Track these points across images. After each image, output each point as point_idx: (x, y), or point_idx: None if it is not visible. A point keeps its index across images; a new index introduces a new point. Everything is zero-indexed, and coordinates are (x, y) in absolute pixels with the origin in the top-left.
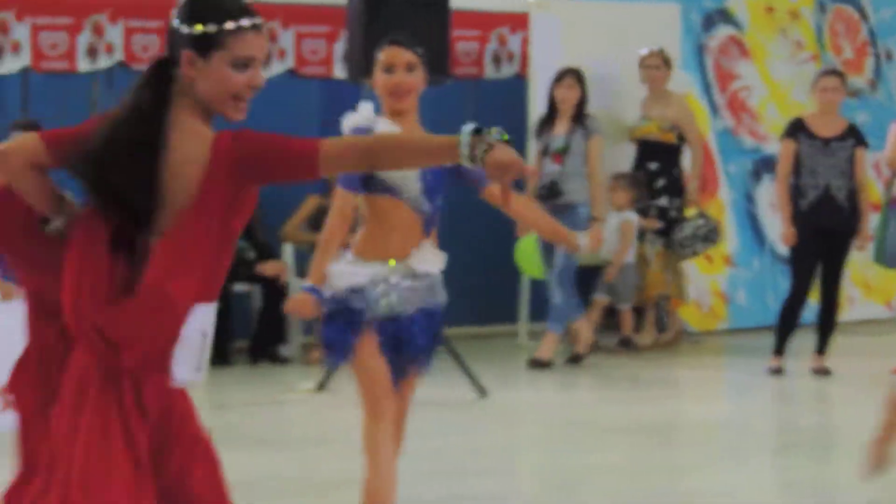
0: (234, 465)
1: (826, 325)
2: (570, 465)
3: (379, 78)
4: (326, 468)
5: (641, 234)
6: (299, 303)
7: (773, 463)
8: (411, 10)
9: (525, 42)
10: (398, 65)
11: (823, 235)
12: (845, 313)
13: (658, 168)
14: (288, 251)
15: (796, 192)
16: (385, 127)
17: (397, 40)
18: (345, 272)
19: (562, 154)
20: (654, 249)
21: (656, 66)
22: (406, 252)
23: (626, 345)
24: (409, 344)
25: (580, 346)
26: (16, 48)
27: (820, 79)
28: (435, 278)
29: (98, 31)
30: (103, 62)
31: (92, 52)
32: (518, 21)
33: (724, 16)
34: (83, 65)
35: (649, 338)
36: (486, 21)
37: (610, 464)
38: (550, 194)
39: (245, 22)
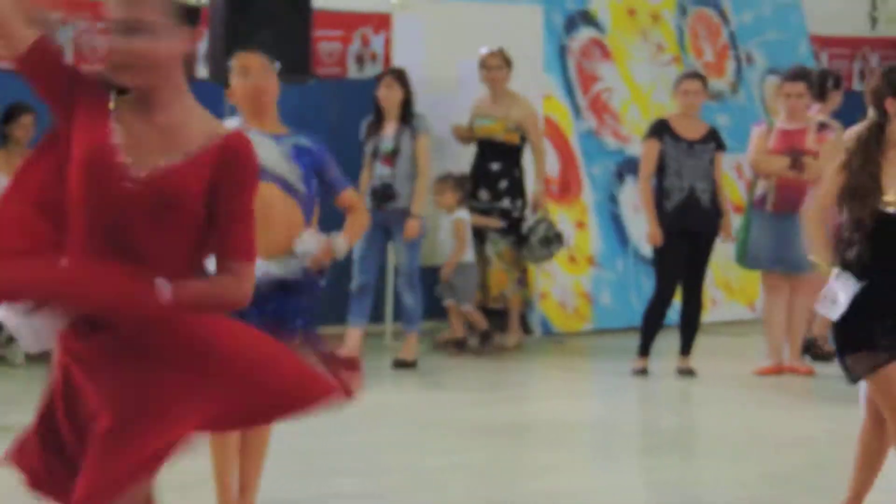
0: None
1: (689, 325)
2: (434, 465)
3: (236, 84)
4: (184, 467)
5: (482, 234)
6: None
7: (638, 463)
8: (274, 10)
9: (388, 43)
10: (253, 68)
11: (688, 237)
12: (709, 314)
13: (500, 169)
14: None
15: (661, 194)
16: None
17: (249, 46)
18: None
19: (391, 156)
20: (495, 249)
21: (497, 66)
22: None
23: (460, 346)
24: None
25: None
26: None
27: (682, 81)
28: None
29: None
30: None
31: None
32: (381, 21)
33: (586, 18)
34: None
35: (514, 339)
36: (348, 21)
37: (474, 464)
38: (384, 198)
39: None
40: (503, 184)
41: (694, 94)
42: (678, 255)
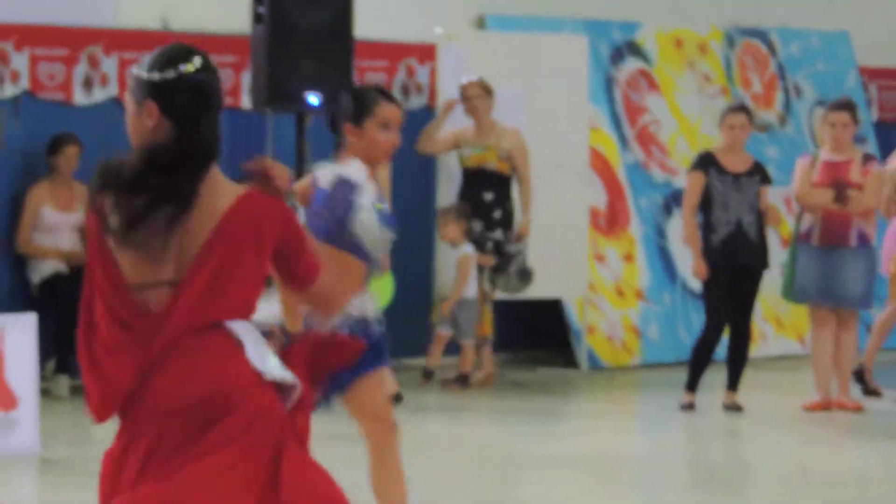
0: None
1: (737, 360)
2: (486, 500)
3: (376, 134)
4: None
5: (481, 269)
6: None
7: (684, 499)
8: (316, 41)
9: (433, 73)
10: (395, 124)
11: (735, 271)
12: (758, 349)
13: (493, 199)
14: None
15: (707, 227)
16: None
17: (392, 98)
18: None
19: None
20: (489, 285)
21: (477, 94)
22: None
23: (462, 381)
24: None
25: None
26: None
27: (727, 116)
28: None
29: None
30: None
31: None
32: (426, 52)
33: (633, 49)
34: None
35: (484, 374)
36: (393, 52)
37: (526, 498)
38: None
39: None
40: (497, 214)
41: (740, 128)
42: (726, 289)
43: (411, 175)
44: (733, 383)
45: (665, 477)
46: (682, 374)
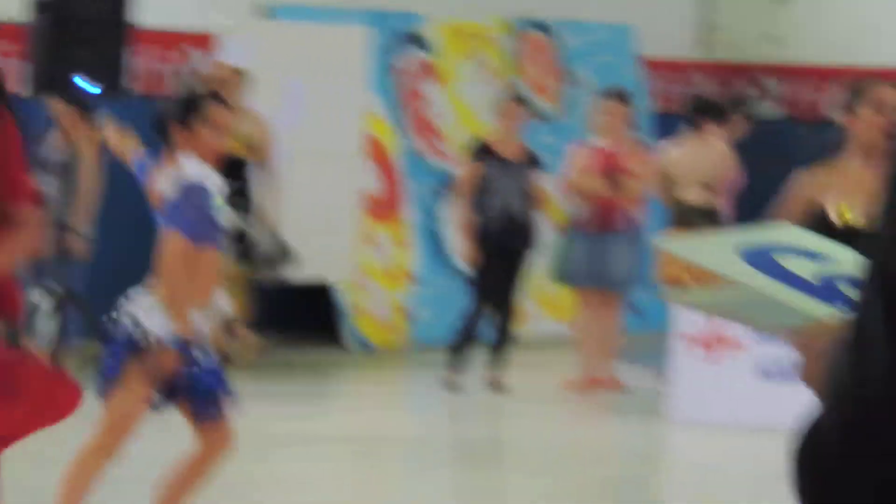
0: None
1: (502, 340)
2: (238, 479)
3: (207, 136)
4: None
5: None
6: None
7: (447, 475)
8: (94, 29)
9: (211, 62)
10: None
11: (505, 255)
12: (524, 329)
13: (232, 185)
14: None
15: (479, 212)
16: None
17: (227, 103)
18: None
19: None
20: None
21: (229, 79)
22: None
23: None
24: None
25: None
26: None
27: (503, 104)
28: None
29: None
30: None
31: None
32: (207, 42)
33: (415, 39)
34: None
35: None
36: (172, 40)
37: (284, 476)
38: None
39: None
40: (234, 200)
41: (515, 117)
42: (494, 271)
43: None
44: (497, 362)
45: (427, 454)
46: (450, 355)
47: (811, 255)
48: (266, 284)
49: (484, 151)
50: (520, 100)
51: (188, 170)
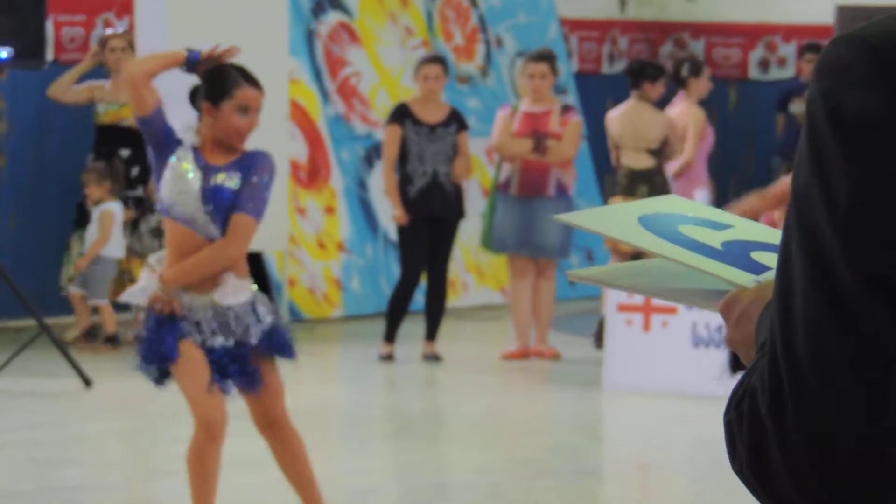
0: None
1: (435, 310)
2: (166, 454)
3: (232, 119)
4: None
5: (132, 226)
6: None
7: (383, 448)
8: None
9: (132, 27)
10: (254, 108)
11: (432, 221)
12: (459, 299)
13: (131, 155)
14: None
15: (404, 179)
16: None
17: (254, 81)
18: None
19: None
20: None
21: (122, 47)
22: (206, 286)
23: (112, 341)
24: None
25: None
26: None
27: (421, 66)
28: (240, 309)
29: None
30: None
31: None
32: (124, 6)
33: (334, 2)
34: None
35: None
36: (90, 5)
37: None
38: None
39: None
40: (135, 170)
41: (434, 80)
42: (422, 239)
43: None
44: (432, 333)
45: (364, 427)
46: (383, 326)
47: (710, 224)
48: None
49: (404, 115)
50: (438, 60)
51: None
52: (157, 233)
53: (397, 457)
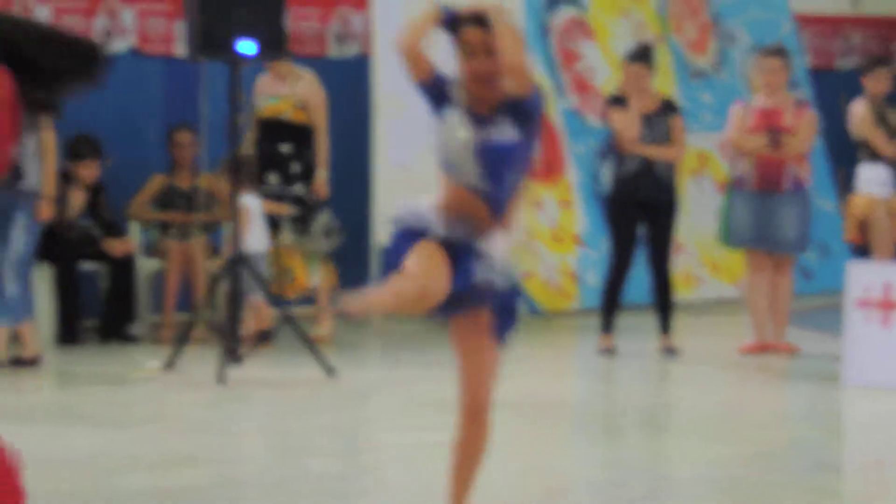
0: (69, 443)
1: (663, 303)
2: (407, 443)
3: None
4: (159, 447)
5: (276, 222)
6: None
7: (614, 441)
8: None
9: (368, 21)
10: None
11: (644, 208)
12: (694, 293)
13: (292, 151)
14: (135, 229)
15: (617, 163)
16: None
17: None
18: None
19: None
20: (291, 238)
21: None
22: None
23: (265, 338)
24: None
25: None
26: None
27: (627, 63)
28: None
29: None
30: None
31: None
32: (361, 1)
33: None
34: None
35: (325, 328)
36: (327, 1)
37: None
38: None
39: None
40: (296, 167)
41: (639, 77)
42: (632, 225)
43: (349, 129)
44: (665, 326)
45: (599, 420)
46: (622, 319)
47: None
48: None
49: (618, 103)
50: (642, 58)
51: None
52: (329, 232)
53: (633, 450)
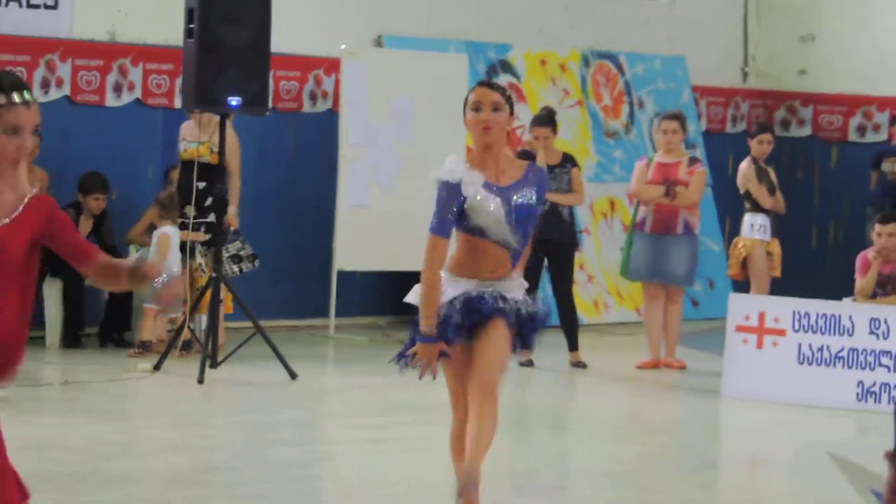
0: (72, 431)
1: (569, 324)
2: (364, 438)
3: (468, 116)
4: (148, 435)
5: (192, 249)
6: (427, 355)
7: (535, 443)
8: (238, 53)
9: (337, 83)
10: (486, 104)
11: (547, 245)
12: (601, 316)
13: (206, 187)
14: (132, 252)
15: None
16: (470, 177)
17: (485, 82)
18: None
19: None
20: (203, 261)
21: None
22: (494, 275)
23: (187, 348)
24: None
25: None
26: None
27: (531, 128)
28: (521, 302)
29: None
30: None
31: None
32: (332, 65)
33: (505, 66)
34: None
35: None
36: (304, 64)
37: (402, 437)
38: None
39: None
40: (208, 200)
41: (544, 137)
42: (539, 259)
43: (320, 173)
44: (573, 344)
45: (515, 421)
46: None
47: None
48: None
49: (526, 158)
50: (546, 124)
51: (443, 171)
52: (236, 259)
53: (545, 447)
